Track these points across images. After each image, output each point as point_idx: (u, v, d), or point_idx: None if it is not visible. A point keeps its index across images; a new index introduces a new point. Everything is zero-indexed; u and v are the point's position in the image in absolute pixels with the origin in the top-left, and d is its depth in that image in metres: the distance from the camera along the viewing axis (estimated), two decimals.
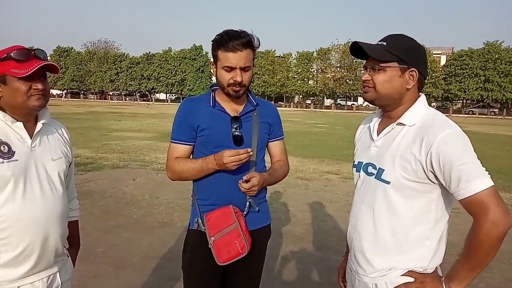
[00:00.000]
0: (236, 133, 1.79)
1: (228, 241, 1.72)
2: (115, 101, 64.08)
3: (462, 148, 1.28)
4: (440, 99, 53.67)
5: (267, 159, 1.99)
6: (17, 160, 1.48)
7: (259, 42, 1.78)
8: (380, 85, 1.39)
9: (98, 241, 4.31)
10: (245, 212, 1.81)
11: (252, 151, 1.69)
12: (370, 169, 1.47)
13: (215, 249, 1.74)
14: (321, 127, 22.53)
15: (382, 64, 1.38)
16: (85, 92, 74.04)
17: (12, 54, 1.47)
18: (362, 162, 1.53)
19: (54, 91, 72.94)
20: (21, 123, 1.54)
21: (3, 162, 1.45)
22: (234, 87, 1.75)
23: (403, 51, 1.37)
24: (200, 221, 1.81)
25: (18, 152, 1.50)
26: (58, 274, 1.67)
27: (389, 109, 1.47)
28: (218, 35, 1.76)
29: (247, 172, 1.78)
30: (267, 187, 1.95)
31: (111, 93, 71.67)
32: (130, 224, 4.85)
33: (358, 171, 1.55)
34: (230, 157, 1.65)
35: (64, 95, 69.19)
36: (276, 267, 3.84)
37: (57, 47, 73.40)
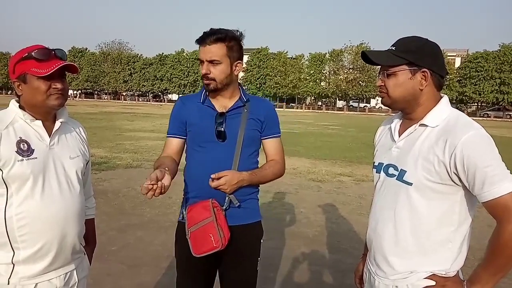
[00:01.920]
0: (219, 128, 1.84)
1: (204, 233, 1.76)
2: (128, 102, 64.71)
3: (486, 150, 1.27)
4: (454, 101, 52.84)
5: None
6: (36, 158, 1.50)
7: (238, 38, 1.86)
8: (392, 90, 1.40)
9: (112, 240, 4.35)
10: (224, 207, 1.83)
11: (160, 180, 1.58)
12: (391, 171, 1.45)
13: (191, 240, 1.79)
14: (333, 129, 22.41)
15: (391, 69, 1.39)
16: (99, 93, 74.90)
17: (33, 54, 1.48)
18: (383, 163, 1.51)
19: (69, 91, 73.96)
20: (40, 121, 1.55)
21: (22, 160, 1.46)
22: (205, 80, 1.85)
23: (412, 52, 1.37)
24: (184, 212, 1.88)
25: (37, 150, 1.52)
26: (75, 271, 1.68)
27: (408, 112, 1.46)
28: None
29: (228, 168, 1.81)
30: (258, 185, 1.97)
31: (124, 94, 72.39)
32: (144, 223, 4.89)
33: (378, 172, 1.53)
34: (144, 184, 1.55)
35: (73, 95, 70.02)
36: (288, 268, 3.82)
37: (72, 48, 74.43)
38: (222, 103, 1.91)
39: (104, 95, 74.19)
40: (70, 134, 1.70)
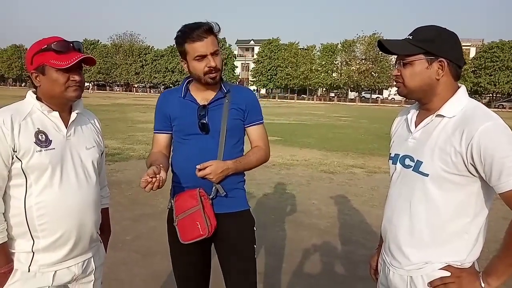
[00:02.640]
0: (202, 121, 1.88)
1: (191, 221, 1.82)
2: (140, 94, 65.11)
3: (504, 140, 1.25)
4: (469, 92, 50.93)
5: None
6: (53, 148, 1.53)
7: (219, 27, 1.88)
8: (408, 79, 1.39)
9: (126, 230, 4.42)
10: (211, 196, 1.88)
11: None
12: (407, 162, 1.44)
13: (179, 227, 1.86)
14: (345, 120, 22.27)
15: (408, 58, 1.38)
16: (111, 85, 75.48)
17: (52, 46, 1.50)
18: (399, 154, 1.50)
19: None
20: (57, 112, 1.58)
21: (41, 151, 1.49)
22: (210, 74, 1.85)
23: (429, 41, 1.35)
24: (172, 201, 1.93)
25: (55, 140, 1.55)
26: (92, 259, 1.72)
27: (424, 102, 1.44)
28: (178, 31, 1.87)
29: (213, 158, 1.85)
30: (244, 174, 2.02)
31: (136, 86, 72.90)
32: (157, 213, 4.94)
33: (394, 163, 1.52)
34: (142, 179, 1.63)
35: (90, 87, 70.69)
36: (300, 259, 3.84)
37: (84, 40, 74.90)
38: (203, 96, 1.93)
39: (116, 87, 74.75)
40: (86, 125, 1.73)
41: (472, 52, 56.79)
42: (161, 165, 1.72)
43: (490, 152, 1.23)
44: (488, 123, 1.26)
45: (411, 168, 1.42)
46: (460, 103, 1.37)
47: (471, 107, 1.35)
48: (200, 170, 1.81)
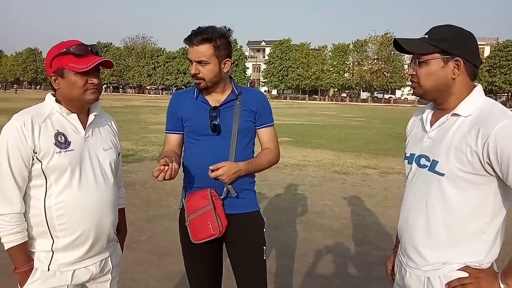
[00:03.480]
0: (214, 122, 1.91)
1: (202, 221, 1.85)
2: (152, 95, 65.70)
3: None
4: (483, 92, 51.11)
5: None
6: (73, 150, 1.56)
7: (225, 35, 1.90)
8: (424, 79, 1.38)
9: (140, 230, 4.48)
10: (222, 196, 1.91)
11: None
12: (423, 161, 1.44)
13: (190, 227, 1.89)
14: (358, 121, 22.13)
15: (423, 57, 1.37)
16: (124, 87, 76.22)
17: (71, 49, 1.53)
18: (415, 154, 1.49)
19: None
20: (76, 114, 1.61)
21: (60, 152, 1.52)
22: (195, 79, 1.91)
23: (445, 40, 1.34)
24: (184, 201, 1.97)
25: (74, 142, 1.58)
26: (109, 258, 1.75)
27: (440, 102, 1.43)
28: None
29: (225, 159, 1.88)
30: (254, 176, 2.04)
31: (148, 88, 73.49)
32: (170, 214, 4.99)
33: (410, 163, 1.52)
34: (155, 168, 1.70)
35: (105, 89, 71.48)
36: (313, 260, 3.84)
37: (97, 43, 74.55)
38: (215, 98, 1.97)
39: (129, 89, 75.47)
40: (103, 127, 1.75)
41: (487, 51, 55.95)
42: (173, 158, 1.76)
43: (507, 150, 1.22)
44: (505, 122, 1.25)
45: (427, 168, 1.41)
46: (476, 102, 1.36)
47: (488, 106, 1.34)
48: (212, 171, 1.83)
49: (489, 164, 1.27)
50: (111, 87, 74.57)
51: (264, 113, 2.03)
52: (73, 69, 1.53)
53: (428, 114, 1.50)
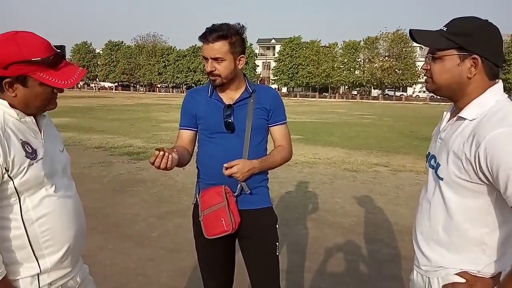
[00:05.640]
0: (228, 120, 1.93)
1: (216, 217, 1.88)
2: (163, 93, 66.06)
3: (510, 150, 1.13)
4: None
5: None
6: (42, 158, 1.37)
7: (240, 32, 1.91)
8: (437, 75, 1.31)
9: (152, 227, 4.52)
10: (236, 193, 1.94)
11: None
12: (432, 162, 1.41)
13: (204, 222, 1.93)
14: (369, 118, 21.97)
15: (439, 53, 1.29)
16: (135, 85, 76.78)
17: (48, 61, 1.29)
18: (430, 153, 1.47)
19: (106, 84, 76.39)
20: (32, 117, 1.40)
21: (32, 164, 1.33)
22: (210, 76, 1.92)
23: (464, 35, 1.24)
24: (198, 196, 2.01)
25: (38, 149, 1.38)
26: (84, 266, 1.65)
27: (454, 100, 1.36)
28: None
29: (239, 157, 1.91)
30: (267, 173, 2.06)
31: (159, 86, 73.91)
32: (182, 210, 5.03)
33: (427, 161, 1.49)
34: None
35: (115, 88, 72.16)
36: (324, 257, 3.84)
37: (108, 41, 76.42)
38: (229, 96, 1.98)
39: (140, 87, 75.98)
40: (49, 126, 1.52)
41: None
42: (175, 150, 1.79)
43: (496, 162, 1.14)
44: (500, 130, 1.15)
45: (434, 169, 1.39)
46: (484, 105, 1.25)
47: (493, 110, 1.22)
48: (227, 168, 1.86)
49: (482, 173, 1.20)
50: (118, 86, 75.12)
51: (277, 111, 2.04)
52: (51, 84, 1.31)
53: (448, 112, 1.44)
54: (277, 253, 2.04)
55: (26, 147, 1.32)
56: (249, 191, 1.95)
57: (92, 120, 16.54)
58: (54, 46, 1.35)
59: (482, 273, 1.30)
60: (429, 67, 1.34)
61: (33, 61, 1.26)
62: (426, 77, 1.38)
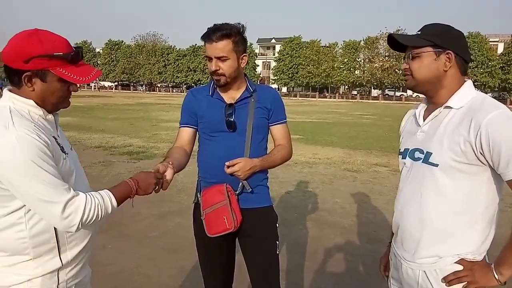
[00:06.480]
0: (229, 119, 1.95)
1: (218, 215, 1.89)
2: (163, 93, 66.05)
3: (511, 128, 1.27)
4: (496, 89, 50.46)
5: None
6: (68, 153, 1.42)
7: (241, 31, 1.92)
8: (417, 71, 1.43)
9: (152, 226, 4.53)
10: (237, 192, 1.96)
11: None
12: (417, 154, 1.47)
13: (206, 221, 1.94)
14: (369, 118, 22.01)
15: (416, 50, 1.43)
16: (135, 84, 76.77)
17: (69, 56, 1.33)
18: (408, 149, 1.53)
19: (106, 83, 76.38)
20: (52, 115, 1.42)
21: (65, 158, 1.37)
22: (214, 76, 1.93)
23: (437, 35, 1.40)
24: (199, 195, 2.01)
25: (63, 145, 1.42)
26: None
27: (431, 95, 1.48)
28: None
29: (240, 156, 1.92)
30: (267, 172, 2.08)
31: (159, 85, 73.91)
32: (182, 210, 5.03)
33: (404, 158, 1.55)
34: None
35: (115, 87, 72.08)
36: (324, 257, 3.85)
37: (108, 41, 76.48)
38: (230, 95, 2.00)
39: (140, 87, 75.99)
40: (59, 126, 1.53)
41: (500, 48, 55.00)
42: (170, 162, 1.78)
43: (498, 140, 1.25)
44: (496, 112, 1.29)
45: (421, 160, 1.44)
46: (467, 95, 1.41)
47: (479, 99, 1.39)
48: (228, 167, 1.87)
49: (481, 153, 1.30)
50: (110, 85, 75.05)
51: (277, 110, 2.07)
52: (70, 80, 1.34)
53: (421, 109, 1.55)
54: (277, 252, 2.05)
55: (58, 142, 1.37)
56: (250, 189, 1.97)
57: (92, 119, 16.54)
58: (77, 48, 1.39)
59: (478, 254, 1.39)
60: (408, 66, 1.47)
61: (54, 55, 1.30)
62: (406, 75, 1.50)
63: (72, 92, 1.42)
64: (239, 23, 1.94)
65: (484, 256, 1.41)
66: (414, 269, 1.45)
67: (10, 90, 1.36)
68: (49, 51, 1.29)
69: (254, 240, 2.02)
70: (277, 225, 2.09)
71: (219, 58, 1.89)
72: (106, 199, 1.40)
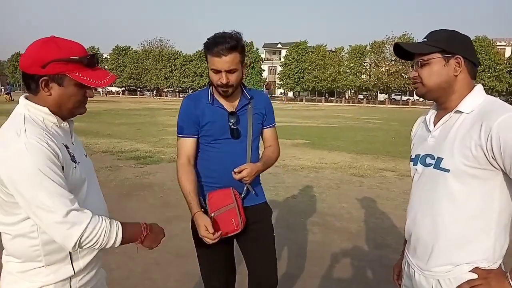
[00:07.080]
0: (233, 127, 2.00)
1: (226, 218, 1.95)
2: (169, 98, 66.32)
3: None
4: (504, 93, 50.03)
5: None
6: (79, 162, 1.42)
7: (242, 40, 1.92)
8: (427, 78, 1.42)
9: None
10: (242, 195, 2.05)
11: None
12: (428, 160, 1.45)
13: (214, 224, 1.96)
14: (375, 123, 21.92)
15: (425, 57, 1.42)
16: (142, 89, 77.21)
17: (85, 60, 1.34)
18: (420, 155, 1.51)
19: (113, 88, 76.93)
20: (66, 123, 1.43)
21: (76, 168, 1.37)
22: (221, 88, 1.95)
23: (444, 41, 1.40)
24: (202, 199, 2.04)
25: (75, 153, 1.42)
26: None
27: (442, 101, 1.46)
28: (207, 39, 1.91)
29: (243, 161, 2.01)
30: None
31: (165, 90, 74.28)
32: (188, 215, 4.95)
33: (415, 164, 1.53)
34: (204, 233, 1.87)
35: (122, 93, 72.53)
36: (331, 262, 3.82)
37: (115, 46, 77.10)
38: (229, 103, 2.04)
39: (147, 92, 76.41)
40: (74, 132, 1.54)
41: (508, 52, 54.64)
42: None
43: (510, 142, 1.23)
44: (507, 115, 1.26)
45: (432, 166, 1.42)
46: (477, 99, 1.39)
47: (489, 102, 1.37)
48: (236, 173, 1.94)
49: (493, 157, 1.27)
50: (125, 91, 75.58)
51: (269, 115, 2.18)
52: (87, 83, 1.34)
53: (431, 115, 1.54)
54: (274, 244, 2.17)
55: (69, 151, 1.37)
56: (254, 192, 2.08)
57: (99, 124, 16.66)
58: (93, 54, 1.41)
59: (494, 261, 1.35)
60: (417, 74, 1.45)
61: (71, 59, 1.31)
62: (415, 83, 1.48)
63: (88, 98, 1.43)
64: (237, 33, 1.93)
65: (500, 264, 1.37)
66: (428, 277, 1.42)
67: (26, 98, 1.37)
68: (66, 55, 1.30)
69: (252, 234, 2.10)
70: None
71: (229, 71, 1.89)
72: (113, 228, 1.36)
